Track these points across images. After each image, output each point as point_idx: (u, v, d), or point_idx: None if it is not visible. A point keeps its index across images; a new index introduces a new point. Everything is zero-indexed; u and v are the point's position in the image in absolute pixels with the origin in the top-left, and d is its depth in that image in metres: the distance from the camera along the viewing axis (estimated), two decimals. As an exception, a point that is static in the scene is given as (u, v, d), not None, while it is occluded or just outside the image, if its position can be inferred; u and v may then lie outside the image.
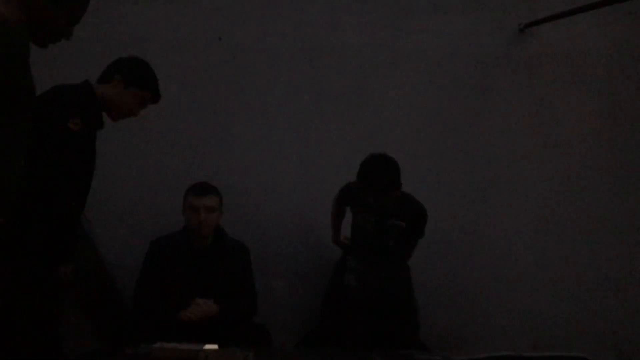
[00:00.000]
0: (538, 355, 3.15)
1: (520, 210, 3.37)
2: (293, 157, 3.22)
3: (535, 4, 3.39)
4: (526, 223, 3.37)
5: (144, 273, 2.56)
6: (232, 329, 2.43)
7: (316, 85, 3.25)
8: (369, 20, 3.31)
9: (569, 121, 3.44)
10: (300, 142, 3.23)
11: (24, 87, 1.55)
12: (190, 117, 3.11)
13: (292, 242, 3.17)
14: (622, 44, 3.48)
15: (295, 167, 3.22)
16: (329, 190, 3.04)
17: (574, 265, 3.37)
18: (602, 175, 3.44)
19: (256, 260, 2.73)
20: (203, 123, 3.12)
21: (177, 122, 3.08)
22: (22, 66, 1.52)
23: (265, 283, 2.77)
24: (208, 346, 2.01)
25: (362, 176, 2.60)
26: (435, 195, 2.92)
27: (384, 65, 3.31)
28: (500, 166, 3.38)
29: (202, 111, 3.13)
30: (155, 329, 2.33)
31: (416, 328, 2.83)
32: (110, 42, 2.99)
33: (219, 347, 2.05)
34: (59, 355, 1.98)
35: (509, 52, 3.39)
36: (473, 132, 3.37)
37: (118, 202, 2.95)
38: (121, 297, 2.72)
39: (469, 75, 3.37)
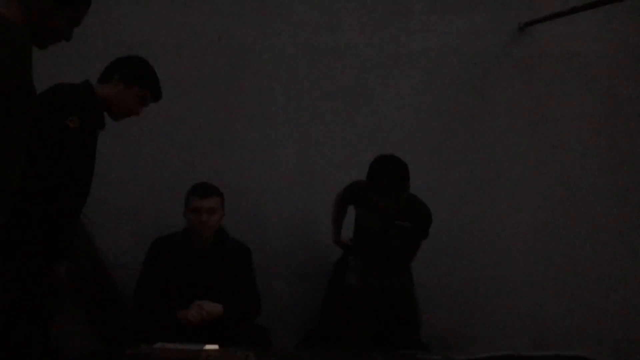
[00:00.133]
0: (538, 355, 3.16)
1: (520, 210, 3.37)
2: (293, 157, 3.22)
3: (535, 3, 3.38)
4: (526, 222, 3.37)
5: (145, 273, 2.55)
6: (232, 330, 2.43)
7: (316, 85, 3.25)
8: (369, 20, 3.31)
9: (569, 120, 3.44)
10: (300, 142, 3.23)
11: (26, 88, 1.55)
12: (190, 117, 3.11)
13: (292, 242, 3.17)
14: (622, 43, 3.47)
15: (295, 167, 3.22)
16: (329, 191, 3.04)
17: (574, 265, 3.37)
18: (602, 174, 3.44)
19: (256, 261, 2.72)
20: (203, 123, 3.12)
21: (177, 122, 3.08)
22: (24, 68, 1.52)
23: (264, 283, 2.77)
24: (209, 346, 2.01)
25: (371, 176, 2.59)
26: (434, 194, 2.91)
27: (383, 65, 3.31)
28: (500, 165, 3.38)
29: (202, 111, 3.13)
30: (156, 329, 2.33)
31: (417, 328, 2.83)
32: (110, 42, 2.99)
33: (220, 347, 2.05)
34: (50, 356, 1.97)
35: (508, 51, 3.39)
36: (473, 132, 3.37)
37: (118, 202, 2.95)
38: (121, 297, 2.72)
39: (468, 74, 3.37)
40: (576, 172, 3.42)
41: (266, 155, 3.18)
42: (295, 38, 3.24)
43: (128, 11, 3.07)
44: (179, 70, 3.08)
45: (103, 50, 2.98)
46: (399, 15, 3.33)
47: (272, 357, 2.23)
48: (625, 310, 3.38)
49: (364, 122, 3.28)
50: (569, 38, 3.43)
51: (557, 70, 3.43)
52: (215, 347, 2.03)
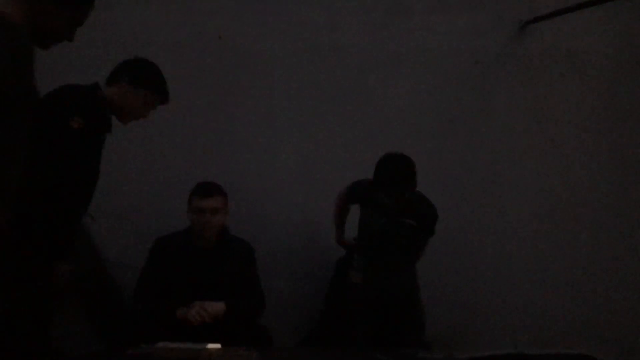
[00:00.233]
0: (541, 353, 3.15)
1: (521, 208, 3.37)
2: (293, 156, 3.22)
3: (536, 2, 3.38)
4: (528, 221, 3.37)
5: (146, 271, 2.55)
6: (234, 329, 2.42)
7: (316, 84, 3.25)
8: (369, 19, 3.31)
9: (570, 118, 3.43)
10: (301, 141, 3.22)
11: (27, 89, 1.55)
12: (190, 116, 3.10)
13: (293, 241, 3.17)
14: (624, 41, 3.47)
15: (296, 166, 3.21)
16: (330, 190, 3.03)
17: (576, 263, 3.37)
18: (604, 172, 3.44)
19: (257, 260, 2.72)
20: (203, 122, 3.12)
21: (178, 121, 3.08)
22: (25, 69, 1.52)
23: (265, 283, 2.76)
24: (211, 346, 2.00)
25: (379, 175, 2.59)
26: (436, 193, 2.91)
27: (384, 64, 3.31)
28: (501, 164, 3.38)
29: (202, 110, 3.12)
30: (156, 328, 2.32)
31: (421, 327, 2.82)
32: (110, 42, 2.99)
33: (222, 346, 2.04)
34: (50, 356, 1.96)
35: (509, 49, 3.38)
36: (473, 130, 3.37)
37: (120, 201, 2.94)
38: (122, 296, 2.71)
39: (469, 73, 3.37)
40: (577, 170, 3.42)
41: (267, 154, 3.18)
42: (296, 37, 3.24)
43: (128, 10, 3.07)
44: (180, 69, 3.07)
45: (103, 50, 2.98)
46: (400, 14, 3.33)
47: (275, 356, 2.22)
48: (628, 308, 3.37)
49: (365, 121, 3.28)
50: (570, 36, 3.43)
51: (558, 69, 3.43)
52: (217, 346, 2.02)
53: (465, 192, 3.33)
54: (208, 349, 1.97)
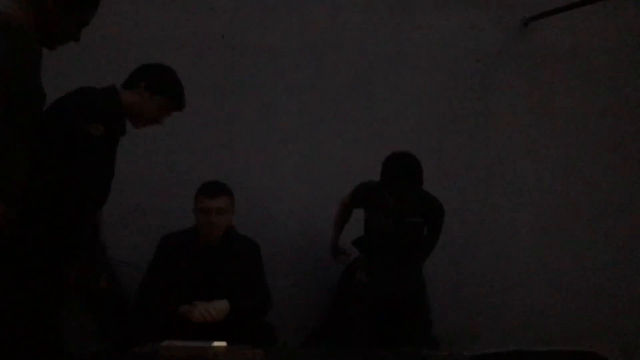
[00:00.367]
0: (545, 351, 3.15)
1: (524, 206, 3.37)
2: (297, 154, 3.22)
3: (538, -2, 3.38)
4: (530, 218, 3.37)
5: (152, 268, 2.54)
6: (239, 327, 2.41)
7: (319, 82, 3.25)
8: (371, 17, 3.30)
9: (573, 116, 3.43)
10: (304, 139, 3.22)
11: (35, 91, 1.55)
12: (193, 114, 3.07)
13: (297, 240, 3.17)
14: (626, 38, 3.46)
15: (299, 165, 3.21)
16: (333, 188, 3.04)
17: (580, 262, 3.37)
18: (606, 169, 3.43)
19: (262, 258, 2.72)
20: (207, 121, 3.12)
21: (181, 120, 3.04)
22: (33, 70, 1.52)
23: (270, 281, 2.76)
24: (216, 344, 2.01)
25: (386, 174, 2.58)
26: (438, 190, 2.91)
27: (386, 62, 3.31)
28: (503, 162, 3.37)
29: (205, 109, 3.12)
30: (162, 326, 2.32)
31: (429, 324, 2.82)
32: (112, 41, 2.99)
33: (227, 344, 2.04)
34: (61, 356, 1.96)
35: (512, 46, 3.38)
36: (476, 128, 3.36)
37: (123, 200, 2.93)
38: (126, 295, 2.71)
39: (471, 70, 3.36)
40: (580, 168, 3.42)
41: (270, 153, 3.18)
42: (298, 36, 3.23)
43: (131, 10, 3.07)
44: (182, 68, 3.00)
45: (105, 49, 2.98)
46: (402, 12, 3.33)
47: (280, 354, 2.22)
48: (633, 307, 3.37)
49: (367, 118, 3.28)
50: (573, 33, 3.43)
51: (561, 65, 3.42)
52: (223, 344, 2.02)
53: (468, 190, 3.33)
54: (214, 347, 1.97)
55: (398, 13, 3.33)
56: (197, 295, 2.43)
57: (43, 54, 1.62)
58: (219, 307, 2.39)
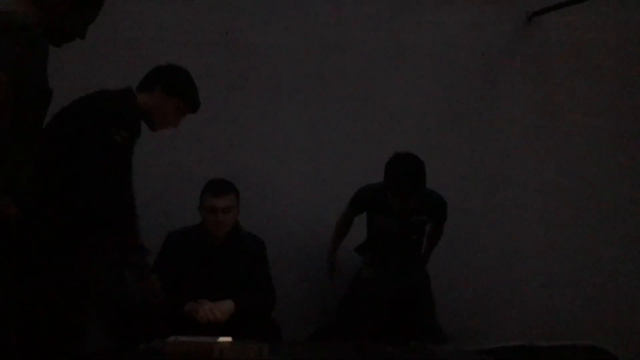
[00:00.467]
0: (551, 345, 3.14)
1: (528, 202, 3.36)
2: (301, 151, 3.22)
3: (543, -8, 3.37)
4: (535, 215, 3.36)
5: (158, 264, 2.55)
6: (245, 323, 2.42)
7: (323, 79, 3.25)
8: (375, 14, 3.30)
9: (578, 112, 3.41)
10: (308, 136, 3.23)
11: (42, 88, 1.56)
12: (197, 113, 3.10)
13: (302, 235, 3.17)
14: (632, 32, 3.45)
15: (304, 161, 3.22)
16: (338, 183, 3.04)
17: (587, 257, 3.36)
18: (612, 165, 3.42)
19: (267, 254, 2.72)
20: (210, 119, 3.11)
21: (185, 118, 3.07)
22: (40, 68, 1.53)
23: (276, 277, 2.77)
24: (222, 339, 2.01)
25: (389, 177, 2.57)
26: (443, 188, 2.91)
27: (390, 59, 3.30)
28: (508, 158, 3.37)
29: (208, 107, 3.09)
30: (167, 322, 2.33)
31: (434, 320, 2.82)
32: (116, 39, 3.00)
33: (233, 340, 2.05)
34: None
35: (516, 41, 3.37)
36: (480, 124, 3.36)
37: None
38: (132, 292, 2.72)
39: (476, 66, 3.36)
40: (585, 164, 3.40)
41: (274, 150, 3.18)
42: (302, 33, 3.24)
43: (134, 7, 3.08)
44: (185, 66, 3.05)
45: (109, 46, 2.99)
46: (405, 9, 3.33)
47: (286, 350, 2.23)
48: (637, 302, 3.35)
49: (372, 115, 3.28)
50: (578, 28, 3.41)
51: (565, 61, 3.41)
52: (228, 339, 2.03)
53: (473, 187, 3.32)
54: (219, 343, 1.98)
55: (401, 10, 3.32)
56: (203, 292, 2.45)
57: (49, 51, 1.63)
58: (223, 307, 2.39)
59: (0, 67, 1.38)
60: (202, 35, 3.14)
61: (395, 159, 2.59)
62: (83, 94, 2.02)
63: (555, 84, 3.41)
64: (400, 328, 2.76)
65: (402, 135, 3.21)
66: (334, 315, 2.98)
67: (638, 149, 3.45)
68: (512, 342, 3.21)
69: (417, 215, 2.74)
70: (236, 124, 3.16)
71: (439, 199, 2.78)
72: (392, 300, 2.79)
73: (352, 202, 2.85)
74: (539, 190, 3.37)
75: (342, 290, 2.99)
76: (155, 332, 2.18)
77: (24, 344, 1.76)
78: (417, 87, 3.31)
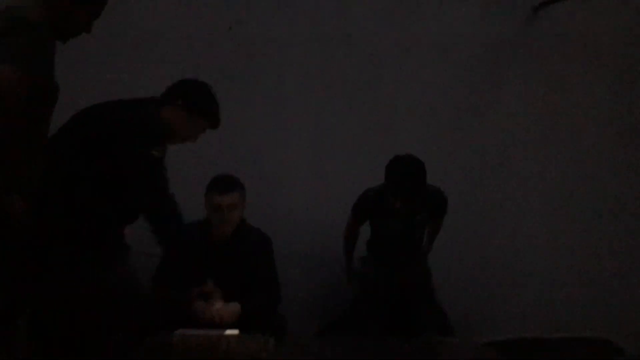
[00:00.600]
0: (558, 338, 3.14)
1: (534, 196, 3.35)
2: (305, 146, 3.22)
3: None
4: (541, 208, 3.35)
5: (164, 260, 2.55)
6: (251, 317, 2.42)
7: (328, 73, 3.25)
8: (380, 7, 3.29)
9: (584, 104, 3.39)
10: (313, 130, 3.23)
11: (49, 86, 1.57)
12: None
13: (307, 229, 3.18)
14: (638, 24, 3.41)
15: (308, 156, 3.22)
16: (343, 178, 3.04)
17: (592, 251, 3.35)
18: (618, 159, 3.40)
19: (273, 249, 2.73)
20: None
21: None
22: (48, 66, 1.53)
23: (282, 272, 2.77)
24: (229, 332, 2.02)
25: (391, 181, 2.57)
26: (448, 181, 2.91)
27: (395, 52, 3.30)
28: (514, 151, 3.35)
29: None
30: (174, 316, 2.34)
31: (439, 311, 2.82)
32: (120, 34, 3.00)
33: (239, 333, 2.06)
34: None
35: (521, 34, 3.35)
36: (486, 118, 3.35)
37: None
38: (142, 284, 2.73)
39: (481, 59, 3.34)
40: (591, 158, 3.38)
41: (279, 144, 3.18)
42: (307, 27, 3.23)
43: (138, 2, 3.08)
44: (190, 60, 3.08)
45: (113, 43, 2.99)
46: (410, 1, 3.31)
47: (291, 343, 2.23)
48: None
49: (377, 109, 3.27)
50: (584, 19, 3.38)
51: (572, 52, 3.38)
52: (235, 332, 2.03)
53: (478, 180, 3.32)
54: (226, 336, 1.99)
55: (406, 3, 3.31)
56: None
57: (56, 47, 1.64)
58: (230, 310, 2.37)
59: (13, 64, 1.39)
60: (207, 30, 3.14)
61: (395, 162, 2.58)
62: (103, 96, 2.05)
63: (561, 75, 3.39)
64: (407, 322, 2.76)
65: (408, 128, 3.21)
66: (341, 310, 2.98)
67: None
68: (520, 335, 3.21)
69: (419, 214, 2.74)
70: (242, 118, 3.16)
71: (440, 196, 2.77)
72: (395, 294, 2.79)
73: (354, 210, 2.83)
74: (544, 183, 3.36)
75: (349, 288, 3.00)
76: (162, 325, 2.19)
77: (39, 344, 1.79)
78: (422, 81, 3.30)
